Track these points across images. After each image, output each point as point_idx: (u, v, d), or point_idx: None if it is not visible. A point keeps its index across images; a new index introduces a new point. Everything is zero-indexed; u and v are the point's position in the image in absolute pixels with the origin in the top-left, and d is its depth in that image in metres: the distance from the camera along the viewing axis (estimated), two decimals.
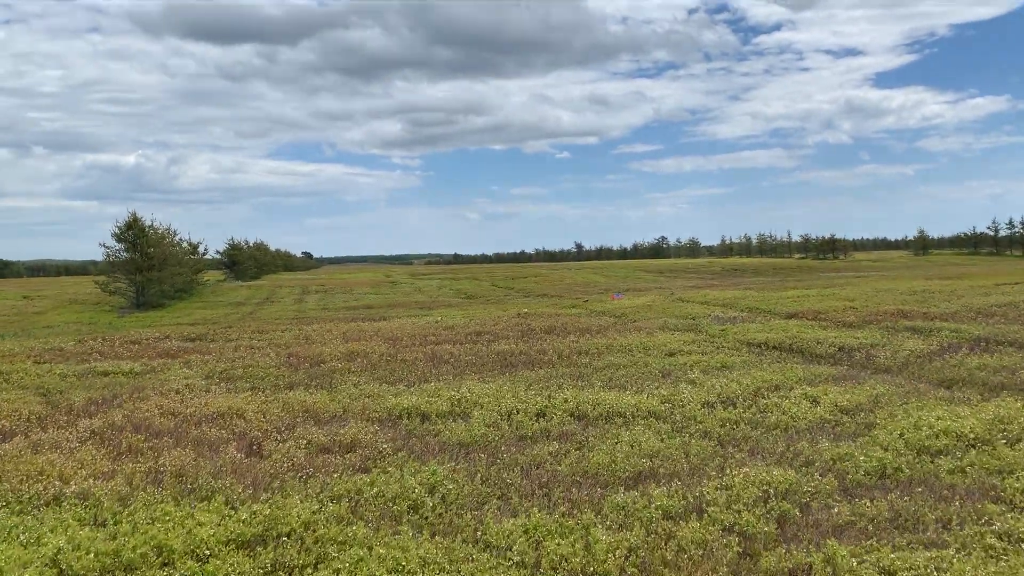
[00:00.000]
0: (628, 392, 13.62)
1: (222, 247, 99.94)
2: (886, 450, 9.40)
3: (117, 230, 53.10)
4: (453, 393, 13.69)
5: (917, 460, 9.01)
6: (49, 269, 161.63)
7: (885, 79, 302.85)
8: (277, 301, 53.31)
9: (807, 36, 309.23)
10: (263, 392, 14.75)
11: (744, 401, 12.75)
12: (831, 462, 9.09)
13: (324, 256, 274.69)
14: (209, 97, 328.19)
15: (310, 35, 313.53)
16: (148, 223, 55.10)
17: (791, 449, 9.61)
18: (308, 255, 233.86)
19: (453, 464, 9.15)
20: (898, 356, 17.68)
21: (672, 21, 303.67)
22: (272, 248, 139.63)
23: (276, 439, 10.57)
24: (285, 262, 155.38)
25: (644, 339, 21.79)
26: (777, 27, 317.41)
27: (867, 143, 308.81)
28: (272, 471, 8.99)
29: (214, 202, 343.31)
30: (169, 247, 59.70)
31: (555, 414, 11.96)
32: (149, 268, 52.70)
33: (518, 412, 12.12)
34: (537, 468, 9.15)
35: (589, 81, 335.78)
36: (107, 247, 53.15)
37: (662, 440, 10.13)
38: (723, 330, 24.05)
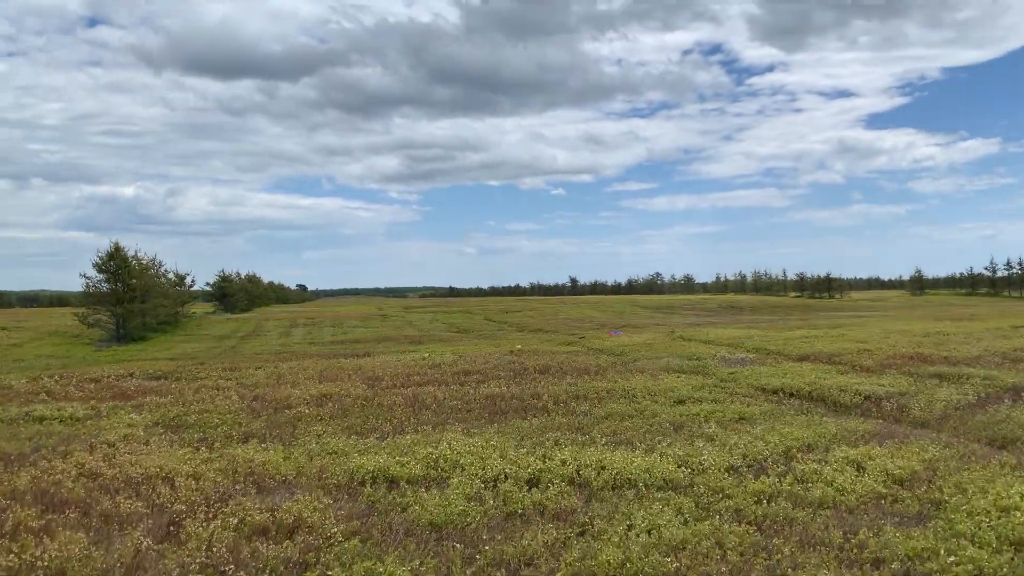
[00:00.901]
0: (637, 451, 11.58)
1: (214, 279, 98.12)
2: (974, 543, 7.36)
3: (99, 260, 51.16)
4: (431, 450, 11.65)
5: (1020, 560, 6.96)
6: (42, 299, 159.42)
7: (877, 120, 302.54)
8: (263, 334, 51.15)
9: (800, 78, 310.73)
10: (210, 446, 12.65)
11: (775, 465, 10.74)
12: (907, 560, 7.04)
13: (321, 289, 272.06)
14: (209, 131, 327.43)
15: (311, 72, 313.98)
16: (131, 253, 53.29)
17: (851, 541, 7.54)
18: (303, 287, 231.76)
19: (418, 561, 7.05)
20: (934, 408, 15.79)
21: (666, 62, 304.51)
22: (265, 280, 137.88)
23: (203, 515, 8.47)
24: (278, 294, 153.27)
25: (648, 382, 19.84)
26: (770, 68, 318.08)
27: (859, 183, 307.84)
28: (180, 569, 6.88)
29: (212, 234, 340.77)
30: (153, 278, 57.74)
31: (551, 481, 9.91)
32: (131, 300, 50.67)
33: (506, 478, 10.07)
34: (528, 566, 7.07)
35: (584, 120, 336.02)
36: (88, 277, 51.04)
37: (686, 524, 8.06)
38: (732, 373, 22.14)
